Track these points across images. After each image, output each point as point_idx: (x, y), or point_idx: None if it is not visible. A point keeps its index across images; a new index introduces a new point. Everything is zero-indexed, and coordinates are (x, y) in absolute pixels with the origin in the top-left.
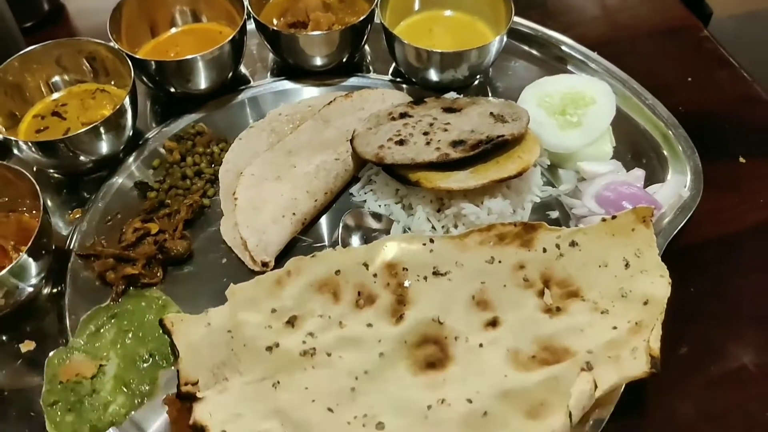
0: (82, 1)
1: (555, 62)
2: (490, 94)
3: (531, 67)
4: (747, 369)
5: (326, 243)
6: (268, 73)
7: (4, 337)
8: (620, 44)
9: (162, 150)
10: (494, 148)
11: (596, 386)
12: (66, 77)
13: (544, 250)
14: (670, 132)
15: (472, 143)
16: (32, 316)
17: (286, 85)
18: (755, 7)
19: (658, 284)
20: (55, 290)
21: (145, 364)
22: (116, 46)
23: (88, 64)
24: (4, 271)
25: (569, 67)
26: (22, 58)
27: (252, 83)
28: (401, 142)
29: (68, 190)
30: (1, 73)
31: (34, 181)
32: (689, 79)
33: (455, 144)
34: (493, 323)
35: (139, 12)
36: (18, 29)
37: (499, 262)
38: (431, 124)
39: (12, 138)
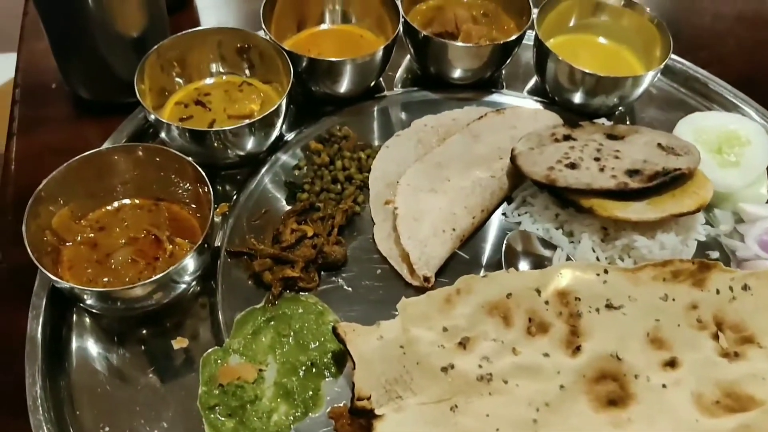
0: None
1: (698, 98)
2: (629, 124)
3: (673, 101)
4: None
5: (483, 262)
6: (400, 83)
7: (156, 331)
8: (761, 83)
9: (302, 151)
10: (671, 180)
11: None
12: (218, 65)
13: (717, 292)
14: None
15: (649, 174)
16: (183, 312)
17: (423, 95)
18: None
19: None
20: (206, 286)
21: (305, 373)
22: (272, 39)
23: (241, 55)
24: (171, 269)
25: (715, 106)
26: (183, 38)
27: (386, 92)
28: (572, 166)
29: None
30: (161, 50)
31: (202, 171)
32: None
33: (631, 173)
34: (672, 364)
35: (289, 4)
36: (166, 9)
37: (673, 300)
38: (599, 150)
39: (165, 121)
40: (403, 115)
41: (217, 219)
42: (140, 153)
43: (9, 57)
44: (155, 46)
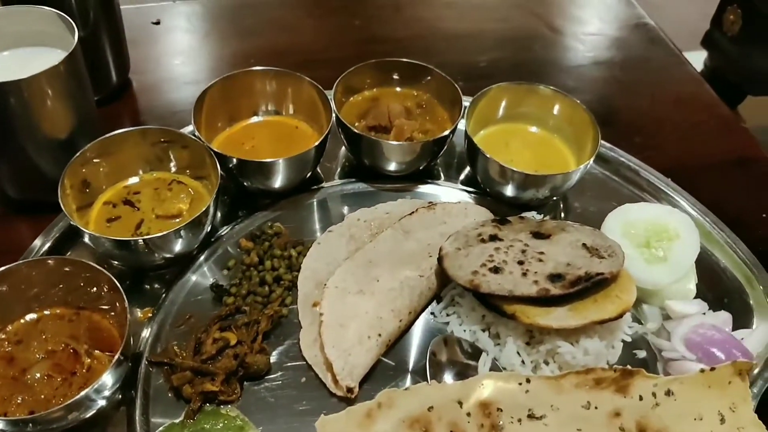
0: (145, 77)
1: (630, 186)
2: (563, 215)
3: (605, 189)
4: None
5: (410, 366)
6: (337, 174)
7: None
8: (693, 171)
9: (233, 249)
10: (593, 285)
11: None
12: (148, 164)
13: (641, 398)
14: (752, 273)
15: (571, 279)
16: (100, 422)
17: (359, 187)
18: None
19: None
20: (125, 396)
21: None
22: (202, 140)
23: (169, 153)
24: (88, 390)
25: (645, 195)
26: (109, 141)
27: (324, 183)
28: (496, 270)
29: (132, 286)
30: (87, 156)
31: (114, 280)
32: (764, 215)
33: (553, 278)
34: None
35: (221, 100)
36: (95, 106)
37: (596, 408)
38: (523, 251)
39: (86, 231)
40: (338, 208)
41: (141, 324)
42: (52, 265)
43: None
44: (80, 152)
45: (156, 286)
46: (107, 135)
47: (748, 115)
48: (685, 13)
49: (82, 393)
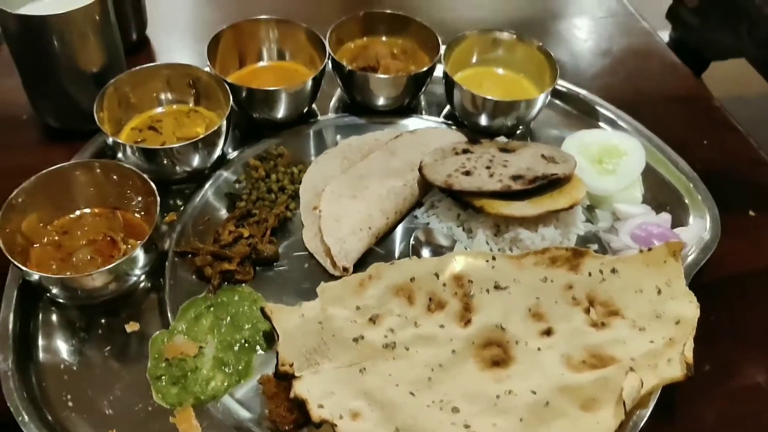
0: (161, 38)
1: (587, 118)
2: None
3: (566, 122)
4: (760, 386)
5: (396, 255)
6: (332, 111)
7: (111, 318)
8: (642, 106)
9: (242, 168)
10: (549, 183)
11: (642, 384)
12: (168, 95)
13: (590, 274)
14: (691, 185)
15: (530, 178)
16: (135, 302)
17: (351, 120)
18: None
19: (688, 307)
20: (155, 283)
21: (239, 349)
22: (215, 73)
23: (188, 87)
24: (120, 261)
25: (600, 124)
26: (137, 73)
27: (320, 117)
28: (467, 173)
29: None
30: (118, 84)
31: (150, 181)
32: (705, 141)
33: (515, 178)
34: (548, 332)
35: (231, 44)
36: (122, 47)
37: (551, 281)
38: (491, 160)
39: (121, 142)
40: (332, 137)
41: (166, 227)
42: (98, 168)
43: None
44: (112, 80)
45: (178, 200)
46: (135, 68)
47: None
48: None
49: (119, 261)
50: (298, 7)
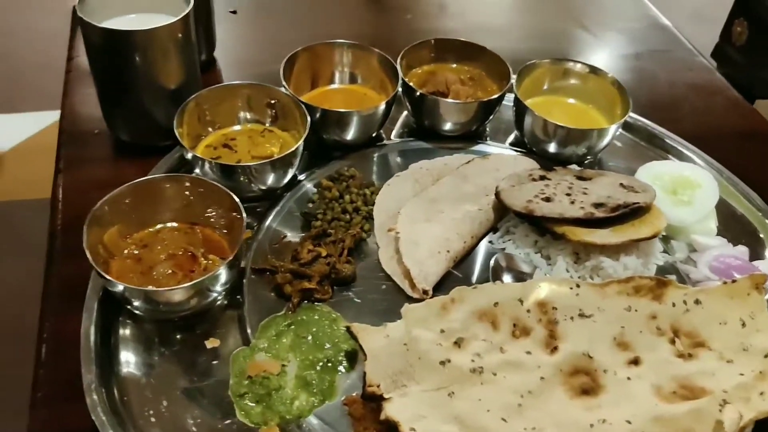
0: (228, 57)
1: (655, 149)
2: None
3: (633, 152)
4: None
5: (474, 279)
6: (398, 135)
7: (188, 333)
8: (709, 139)
9: (315, 188)
10: (631, 212)
11: (741, 417)
12: (246, 115)
13: (673, 305)
14: (766, 219)
15: (612, 206)
16: (214, 320)
17: (417, 144)
18: None
19: None
20: (233, 300)
21: (321, 368)
22: (292, 94)
23: (266, 107)
24: (205, 276)
25: (670, 156)
26: (218, 90)
27: (386, 141)
28: (547, 199)
29: None
30: (199, 100)
31: (239, 202)
32: None
33: (597, 206)
34: (635, 362)
35: (305, 66)
36: (199, 67)
37: (635, 310)
38: (570, 187)
39: (200, 157)
40: (400, 160)
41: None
42: (187, 182)
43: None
44: (194, 95)
45: (250, 218)
46: (216, 86)
47: None
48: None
49: (202, 278)
50: (360, 34)
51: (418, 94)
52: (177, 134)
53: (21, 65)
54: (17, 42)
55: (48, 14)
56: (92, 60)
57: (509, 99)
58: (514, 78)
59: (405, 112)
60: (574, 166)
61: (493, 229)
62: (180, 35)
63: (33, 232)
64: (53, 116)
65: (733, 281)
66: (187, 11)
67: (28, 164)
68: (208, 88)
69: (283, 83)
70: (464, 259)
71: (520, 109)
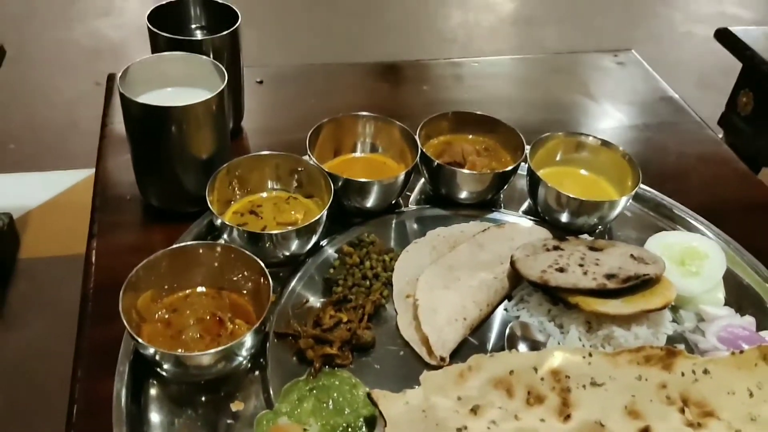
0: (254, 124)
1: (665, 220)
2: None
3: (642, 223)
4: None
5: (489, 346)
6: (415, 202)
7: (213, 396)
8: (715, 211)
9: (336, 253)
10: (641, 283)
11: None
12: (274, 183)
13: (683, 374)
14: None
15: (623, 278)
16: (237, 383)
17: (435, 212)
18: None
19: None
20: (256, 363)
21: None
22: (318, 164)
23: (291, 176)
24: (233, 343)
25: (678, 227)
26: (249, 159)
27: (404, 208)
28: (561, 270)
29: None
30: (230, 168)
31: (265, 268)
32: None
33: (608, 277)
34: (646, 430)
35: (330, 136)
36: (230, 138)
37: (646, 380)
38: (583, 258)
39: (228, 224)
40: (417, 227)
41: None
42: (218, 249)
43: (69, 173)
44: (226, 164)
45: (273, 282)
46: (244, 156)
47: None
48: (700, 101)
49: (230, 344)
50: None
51: (435, 164)
52: (209, 202)
53: (46, 125)
54: (43, 102)
55: (73, 76)
56: (130, 131)
57: (523, 168)
58: (527, 149)
59: (422, 180)
60: (586, 236)
61: (508, 296)
62: (214, 108)
63: (58, 289)
64: (78, 175)
65: (741, 352)
66: (221, 88)
67: (54, 222)
68: (239, 158)
69: (308, 152)
70: (480, 326)
71: (534, 179)
